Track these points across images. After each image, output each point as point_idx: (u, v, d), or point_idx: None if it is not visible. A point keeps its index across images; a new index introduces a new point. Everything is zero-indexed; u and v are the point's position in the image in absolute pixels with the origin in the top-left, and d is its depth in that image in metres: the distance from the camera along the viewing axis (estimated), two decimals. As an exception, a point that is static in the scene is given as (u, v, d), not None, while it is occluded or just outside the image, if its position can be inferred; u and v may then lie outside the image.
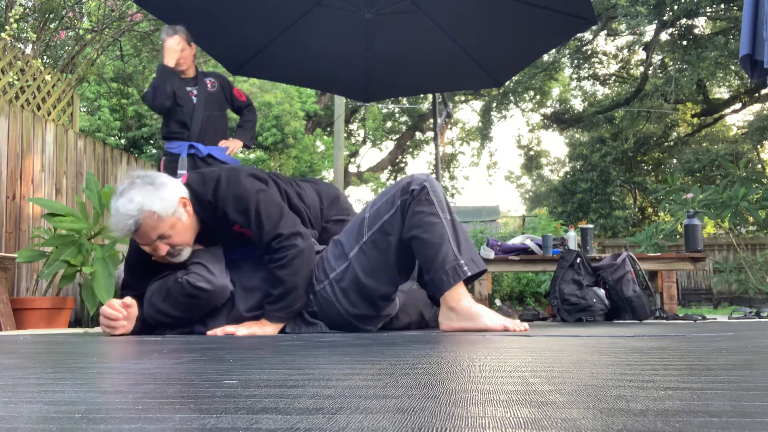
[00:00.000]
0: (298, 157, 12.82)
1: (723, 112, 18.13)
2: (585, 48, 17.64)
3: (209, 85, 4.00)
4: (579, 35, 15.78)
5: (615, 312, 3.59)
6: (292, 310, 2.18)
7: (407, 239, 2.16)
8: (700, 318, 3.73)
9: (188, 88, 3.94)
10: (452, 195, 22.47)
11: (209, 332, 2.11)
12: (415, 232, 2.14)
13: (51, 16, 5.66)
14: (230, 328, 2.10)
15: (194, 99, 3.93)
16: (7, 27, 4.95)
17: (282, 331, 2.19)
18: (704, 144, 18.36)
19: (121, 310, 2.12)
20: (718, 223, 7.94)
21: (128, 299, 2.16)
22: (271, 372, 0.86)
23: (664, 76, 16.17)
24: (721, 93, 18.43)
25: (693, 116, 18.45)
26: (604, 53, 18.86)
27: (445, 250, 2.10)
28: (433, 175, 2.58)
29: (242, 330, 2.09)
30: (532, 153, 22.24)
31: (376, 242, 2.20)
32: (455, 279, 2.09)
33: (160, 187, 2.15)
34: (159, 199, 2.12)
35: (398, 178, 21.40)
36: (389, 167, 21.15)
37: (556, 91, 20.64)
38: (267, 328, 2.13)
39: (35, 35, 5.49)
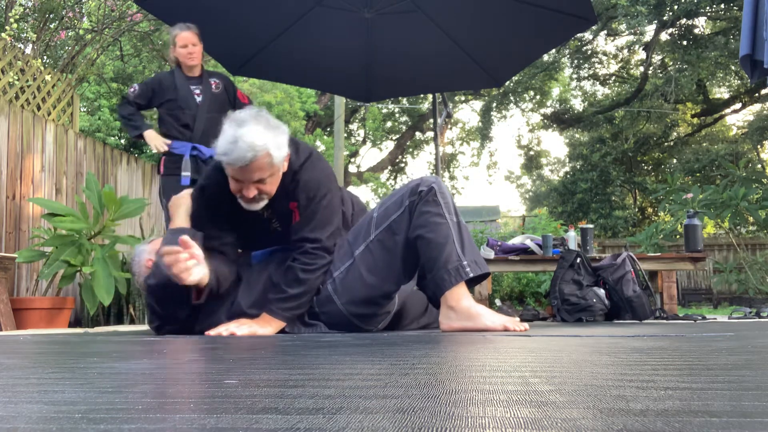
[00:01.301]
0: (298, 157, 12.78)
1: (723, 112, 18.13)
2: (585, 48, 17.64)
3: (214, 86, 3.99)
4: (579, 35, 15.77)
5: (615, 312, 3.59)
6: (298, 312, 2.20)
7: (413, 239, 2.18)
8: (700, 318, 3.73)
9: (192, 88, 3.93)
10: (452, 195, 22.43)
11: (207, 332, 2.11)
12: (421, 232, 2.16)
13: (51, 16, 5.66)
14: (230, 327, 2.09)
15: (198, 99, 3.92)
16: (7, 27, 4.95)
17: (281, 331, 2.19)
18: (704, 144, 18.36)
19: (179, 248, 1.96)
20: (718, 223, 7.94)
21: (185, 237, 1.98)
22: (271, 372, 0.86)
23: (664, 76, 16.16)
24: (721, 93, 18.43)
25: (693, 116, 18.44)
26: (604, 53, 18.86)
27: (449, 251, 2.12)
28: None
29: (243, 329, 2.08)
30: (532, 153, 22.23)
31: (383, 241, 2.22)
32: (457, 279, 2.10)
33: (282, 134, 2.12)
34: (278, 145, 2.09)
35: (398, 178, 21.12)
36: (389, 167, 21.14)
37: (556, 91, 20.63)
38: (265, 328, 2.12)
39: (35, 35, 5.49)
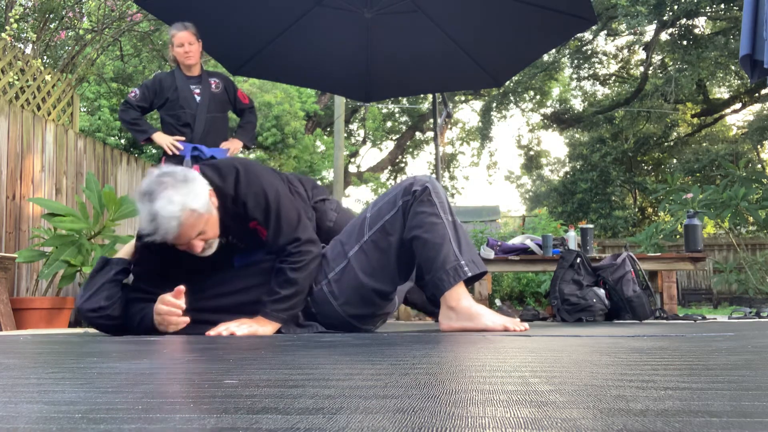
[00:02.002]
0: (298, 157, 12.82)
1: (723, 112, 18.13)
2: (585, 48, 17.63)
3: (213, 86, 3.99)
4: (579, 35, 15.77)
5: (615, 312, 3.59)
6: (294, 312, 2.19)
7: (408, 239, 2.17)
8: (700, 318, 3.73)
9: (192, 87, 3.93)
10: (452, 195, 22.47)
11: (207, 333, 2.11)
12: (417, 232, 2.15)
13: (51, 16, 5.66)
14: (230, 327, 2.09)
15: (197, 98, 3.92)
16: (7, 27, 4.95)
17: (277, 331, 2.19)
18: (704, 144, 18.36)
19: (177, 302, 2.02)
20: (718, 223, 7.94)
21: (181, 286, 2.03)
22: (271, 372, 0.86)
23: (664, 76, 16.16)
24: (721, 93, 18.44)
25: (693, 116, 18.45)
26: (604, 53, 18.86)
27: (446, 251, 2.11)
28: (434, 176, 2.59)
29: (243, 329, 2.08)
30: (532, 153, 22.23)
31: (376, 242, 2.21)
32: (455, 279, 2.10)
33: (192, 183, 2.02)
34: (195, 196, 2.00)
35: (398, 179, 21.20)
36: (389, 167, 21.14)
37: (556, 91, 20.64)
38: (265, 327, 2.12)
39: (35, 35, 5.49)
